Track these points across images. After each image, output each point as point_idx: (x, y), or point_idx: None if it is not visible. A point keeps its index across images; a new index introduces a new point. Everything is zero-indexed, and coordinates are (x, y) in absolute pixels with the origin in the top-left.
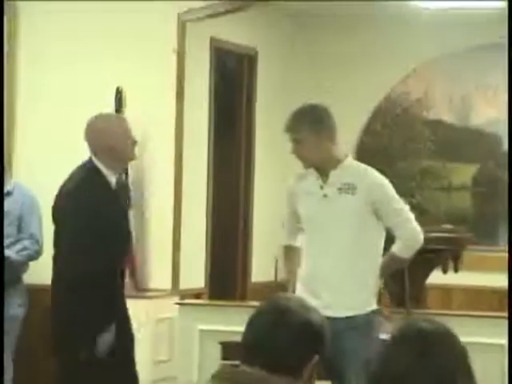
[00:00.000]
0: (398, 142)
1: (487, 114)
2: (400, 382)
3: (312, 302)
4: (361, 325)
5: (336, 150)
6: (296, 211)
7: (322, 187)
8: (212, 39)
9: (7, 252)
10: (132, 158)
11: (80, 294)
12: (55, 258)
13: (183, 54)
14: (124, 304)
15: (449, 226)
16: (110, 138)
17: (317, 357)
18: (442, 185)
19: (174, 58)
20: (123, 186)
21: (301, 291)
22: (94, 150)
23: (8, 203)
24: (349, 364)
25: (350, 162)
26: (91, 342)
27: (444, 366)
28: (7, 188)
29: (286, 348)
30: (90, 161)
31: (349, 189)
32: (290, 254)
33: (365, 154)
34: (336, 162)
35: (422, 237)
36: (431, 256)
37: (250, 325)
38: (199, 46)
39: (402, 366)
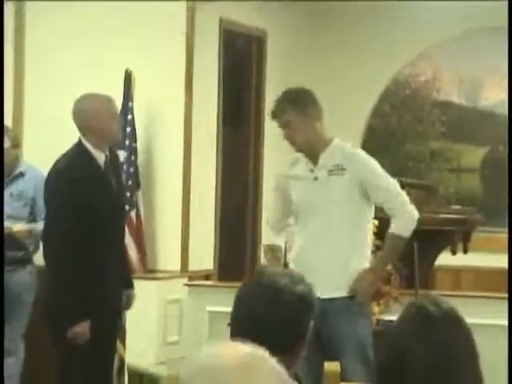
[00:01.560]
0: (407, 123)
1: (497, 96)
2: (402, 361)
3: None
4: (351, 305)
5: (323, 132)
6: (286, 201)
7: (312, 170)
8: (221, 20)
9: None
10: (116, 135)
11: (59, 278)
12: (43, 235)
13: (192, 35)
14: (116, 291)
15: (458, 207)
16: (94, 118)
17: (311, 325)
18: (452, 166)
19: (182, 40)
20: (114, 164)
21: None
22: (81, 130)
23: (21, 184)
24: (342, 343)
25: (338, 143)
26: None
27: (445, 346)
28: (20, 169)
29: (285, 327)
30: (79, 141)
31: (338, 170)
32: (274, 253)
33: (374, 136)
34: (325, 144)
35: (415, 212)
36: (440, 237)
37: (242, 304)
38: (208, 27)
39: (403, 344)
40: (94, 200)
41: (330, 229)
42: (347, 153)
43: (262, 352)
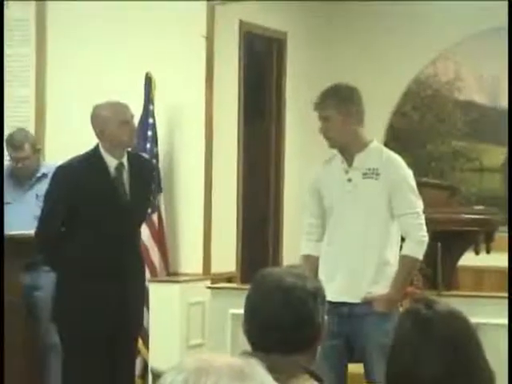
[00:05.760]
0: (429, 123)
1: None
2: (408, 369)
3: (328, 285)
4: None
5: (362, 133)
6: (321, 203)
7: (346, 172)
8: (241, 23)
9: None
10: (126, 141)
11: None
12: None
13: (212, 37)
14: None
15: (480, 208)
16: (104, 125)
17: (326, 320)
18: (474, 166)
19: (202, 42)
20: (136, 171)
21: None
22: (96, 135)
23: (45, 185)
24: (367, 345)
25: (376, 146)
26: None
27: (444, 345)
28: (42, 171)
29: (301, 325)
30: (96, 144)
31: (373, 174)
32: (307, 263)
33: (395, 136)
34: (362, 146)
35: (426, 238)
36: (463, 237)
37: (254, 310)
38: (228, 29)
39: (405, 353)
40: (83, 196)
41: (360, 233)
42: (385, 157)
43: (255, 361)
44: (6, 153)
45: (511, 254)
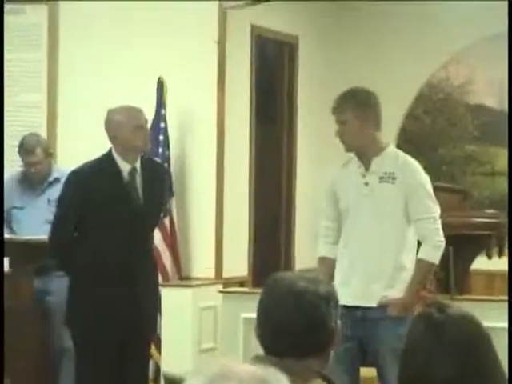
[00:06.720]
0: (441, 127)
1: None
2: (420, 373)
3: (343, 288)
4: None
5: (379, 137)
6: (337, 206)
7: (363, 175)
8: (253, 27)
9: None
10: (140, 146)
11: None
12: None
13: (224, 41)
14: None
15: (492, 211)
16: (117, 129)
17: (339, 324)
18: (486, 170)
19: (214, 46)
20: (149, 175)
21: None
22: (109, 139)
23: (57, 190)
24: (380, 348)
25: (392, 150)
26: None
27: (457, 349)
28: (55, 175)
29: (314, 329)
30: (109, 149)
31: (389, 178)
32: (323, 266)
33: (408, 140)
34: (379, 150)
35: (443, 243)
36: (475, 241)
37: (267, 314)
38: (240, 34)
39: (418, 356)
40: (96, 201)
41: (376, 237)
42: (401, 162)
43: (278, 372)
44: (18, 157)
45: (511, 258)
